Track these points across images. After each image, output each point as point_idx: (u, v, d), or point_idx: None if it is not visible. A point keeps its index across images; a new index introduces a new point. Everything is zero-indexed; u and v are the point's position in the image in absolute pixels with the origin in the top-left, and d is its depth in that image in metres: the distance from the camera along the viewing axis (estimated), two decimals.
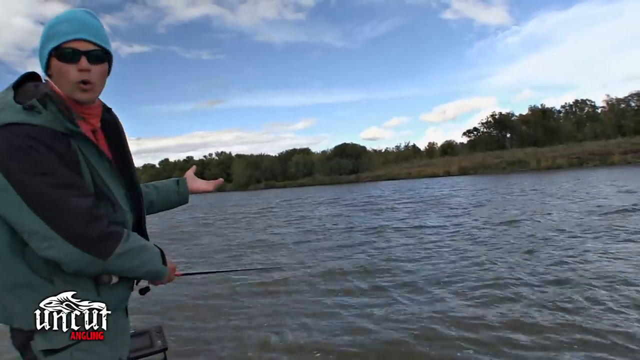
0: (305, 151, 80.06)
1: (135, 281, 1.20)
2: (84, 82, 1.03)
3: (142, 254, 1.07)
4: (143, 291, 1.30)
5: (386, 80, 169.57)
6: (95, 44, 1.04)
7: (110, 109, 1.23)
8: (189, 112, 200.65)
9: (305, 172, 71.62)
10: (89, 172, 1.02)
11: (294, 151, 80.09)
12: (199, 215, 20.59)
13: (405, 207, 15.20)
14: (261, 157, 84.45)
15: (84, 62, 1.02)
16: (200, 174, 1.74)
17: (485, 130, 64.90)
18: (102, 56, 1.06)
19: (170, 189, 1.54)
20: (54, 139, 0.95)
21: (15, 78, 1.07)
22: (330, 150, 73.70)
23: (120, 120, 1.26)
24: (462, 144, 70.56)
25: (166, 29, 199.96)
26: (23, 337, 1.00)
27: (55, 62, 1.02)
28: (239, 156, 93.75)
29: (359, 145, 71.63)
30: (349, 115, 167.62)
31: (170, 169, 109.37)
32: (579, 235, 7.29)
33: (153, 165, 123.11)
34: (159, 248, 1.17)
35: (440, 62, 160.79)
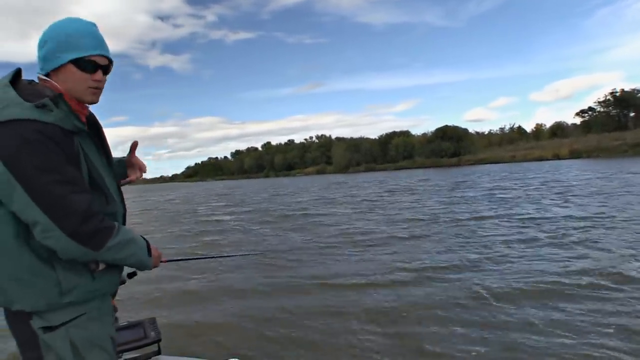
0: (405, 134, 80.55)
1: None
2: (96, 87, 1.19)
3: (131, 246, 1.19)
4: (131, 275, 1.41)
5: (491, 58, 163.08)
6: (108, 58, 1.21)
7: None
8: (290, 96, 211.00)
9: (405, 155, 72.70)
10: (86, 167, 1.14)
11: (393, 134, 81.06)
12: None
13: (543, 194, 13.64)
14: (361, 140, 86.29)
15: (100, 74, 1.18)
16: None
17: (602, 109, 60.24)
18: (110, 69, 1.23)
19: (117, 172, 1.58)
20: (63, 137, 1.06)
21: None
22: (431, 132, 73.49)
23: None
24: (573, 125, 66.58)
25: (270, 15, 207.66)
26: (23, 317, 1.12)
27: (72, 69, 1.14)
28: (338, 139, 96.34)
29: (461, 128, 70.84)
30: (451, 96, 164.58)
31: (273, 152, 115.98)
32: None
33: (256, 149, 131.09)
34: (144, 239, 1.29)
35: (551, 37, 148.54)
